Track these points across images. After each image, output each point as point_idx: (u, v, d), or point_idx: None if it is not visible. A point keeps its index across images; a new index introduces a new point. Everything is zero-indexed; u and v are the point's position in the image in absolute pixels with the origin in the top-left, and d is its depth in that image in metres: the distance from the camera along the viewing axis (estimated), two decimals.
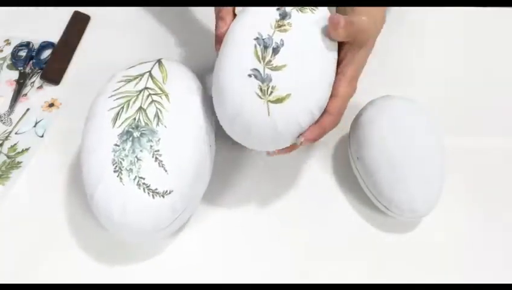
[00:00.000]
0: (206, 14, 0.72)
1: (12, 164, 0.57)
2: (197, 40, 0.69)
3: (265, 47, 0.44)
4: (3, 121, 0.61)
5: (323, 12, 0.48)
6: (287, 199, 0.56)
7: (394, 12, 0.73)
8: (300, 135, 0.46)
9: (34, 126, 0.61)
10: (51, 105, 0.63)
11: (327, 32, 0.46)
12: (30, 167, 0.58)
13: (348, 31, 0.46)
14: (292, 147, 0.49)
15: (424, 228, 0.53)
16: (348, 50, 0.48)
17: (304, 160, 0.58)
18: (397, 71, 0.67)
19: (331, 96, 0.47)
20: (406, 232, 0.53)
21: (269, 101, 0.43)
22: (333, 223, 0.54)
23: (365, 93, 0.56)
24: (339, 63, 0.48)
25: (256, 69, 0.43)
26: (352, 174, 0.55)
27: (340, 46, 0.48)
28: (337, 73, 0.48)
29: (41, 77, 0.65)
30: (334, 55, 0.47)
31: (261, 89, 0.43)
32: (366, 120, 0.53)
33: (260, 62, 0.44)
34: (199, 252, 0.52)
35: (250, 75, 0.43)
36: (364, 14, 0.47)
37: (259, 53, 0.44)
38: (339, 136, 0.60)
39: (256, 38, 0.44)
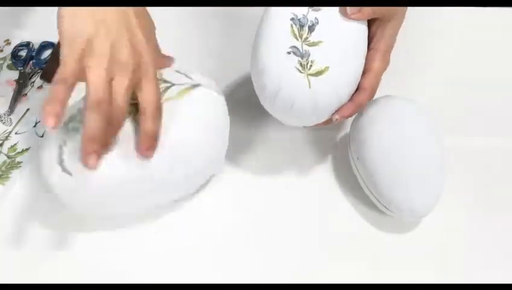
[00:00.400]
0: (205, 14, 0.73)
1: (12, 164, 0.57)
2: (196, 39, 0.69)
3: (301, 26, 0.47)
4: (3, 121, 0.61)
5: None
6: (287, 198, 0.56)
7: None
8: (336, 112, 0.49)
9: (34, 126, 0.61)
10: None
11: (352, 14, 0.48)
12: (30, 167, 0.58)
13: (372, 8, 0.48)
14: (327, 122, 0.51)
15: (424, 228, 0.53)
16: (378, 26, 0.50)
17: (304, 160, 0.59)
18: (397, 71, 0.67)
19: (364, 72, 0.50)
20: (406, 232, 0.53)
21: (309, 74, 0.46)
22: (333, 223, 0.54)
23: None
24: (370, 39, 0.50)
25: (294, 46, 0.46)
26: (352, 174, 0.55)
27: (370, 22, 0.50)
28: (369, 49, 0.50)
29: (41, 77, 0.65)
30: (365, 30, 0.50)
31: (300, 64, 0.46)
32: (366, 120, 0.53)
33: (298, 40, 0.46)
34: (199, 252, 0.52)
35: (289, 52, 0.46)
36: None
37: (296, 32, 0.47)
38: (339, 136, 0.61)
39: (292, 19, 0.47)
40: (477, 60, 0.68)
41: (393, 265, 0.51)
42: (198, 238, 0.53)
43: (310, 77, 0.46)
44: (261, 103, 0.50)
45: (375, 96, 0.55)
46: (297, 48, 0.46)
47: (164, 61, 0.51)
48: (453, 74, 0.66)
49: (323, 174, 0.57)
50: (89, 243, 0.52)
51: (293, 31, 0.46)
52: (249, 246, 0.53)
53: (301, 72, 0.46)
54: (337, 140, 0.60)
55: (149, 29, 0.48)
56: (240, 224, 0.54)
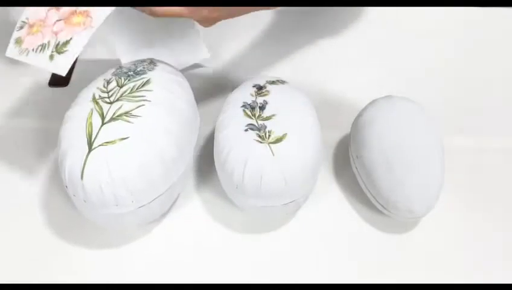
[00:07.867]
0: None
1: None
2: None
3: (252, 108, 0.51)
4: None
5: (289, 85, 0.55)
6: None
7: (393, 12, 0.73)
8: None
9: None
10: None
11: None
12: (30, 169, 0.58)
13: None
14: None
15: (423, 228, 0.53)
16: None
17: None
18: (397, 71, 0.67)
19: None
20: (405, 232, 0.53)
21: (270, 142, 0.48)
22: (332, 222, 0.54)
23: (365, 93, 0.57)
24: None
25: (250, 124, 0.50)
26: (352, 174, 0.55)
27: None
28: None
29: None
30: (310, 103, 0.54)
31: (259, 136, 0.49)
32: (367, 120, 0.53)
33: (252, 118, 0.50)
34: (198, 252, 0.52)
35: (246, 129, 0.49)
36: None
37: (249, 113, 0.51)
38: (340, 136, 0.61)
39: (243, 105, 0.52)
40: (477, 60, 0.68)
41: (392, 265, 0.51)
42: (197, 238, 0.53)
43: (271, 145, 0.48)
44: (229, 194, 0.52)
45: (375, 97, 0.55)
46: (253, 124, 0.49)
47: None
48: (452, 74, 0.67)
49: (323, 174, 0.57)
50: (88, 243, 0.53)
51: (246, 113, 0.51)
52: (247, 245, 0.53)
53: (261, 143, 0.48)
54: (337, 140, 0.60)
55: None
56: (238, 223, 0.54)
